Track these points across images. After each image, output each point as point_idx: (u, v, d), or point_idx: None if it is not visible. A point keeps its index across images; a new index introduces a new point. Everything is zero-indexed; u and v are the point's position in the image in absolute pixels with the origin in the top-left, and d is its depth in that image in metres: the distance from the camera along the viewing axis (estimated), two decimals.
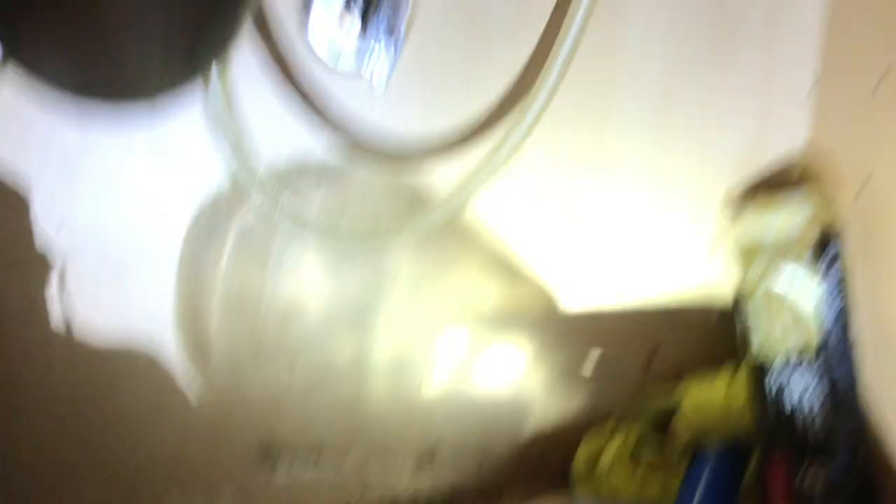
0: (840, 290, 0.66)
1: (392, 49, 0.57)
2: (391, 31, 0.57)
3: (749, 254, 0.69)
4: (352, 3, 0.57)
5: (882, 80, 0.61)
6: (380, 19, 0.56)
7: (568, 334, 0.75)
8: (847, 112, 0.67)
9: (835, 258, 0.66)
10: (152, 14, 0.43)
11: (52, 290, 0.69)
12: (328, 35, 0.62)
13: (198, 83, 0.54)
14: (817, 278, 0.66)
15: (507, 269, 0.73)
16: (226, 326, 0.71)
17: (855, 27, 0.66)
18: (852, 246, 0.66)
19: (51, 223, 0.67)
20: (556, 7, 0.65)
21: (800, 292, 0.67)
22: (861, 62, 0.65)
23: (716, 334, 0.75)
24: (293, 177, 0.68)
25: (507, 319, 0.74)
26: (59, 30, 0.43)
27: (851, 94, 0.66)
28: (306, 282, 0.71)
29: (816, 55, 0.68)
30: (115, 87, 0.47)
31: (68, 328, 0.70)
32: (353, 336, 0.73)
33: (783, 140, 0.70)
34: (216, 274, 0.70)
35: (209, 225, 0.69)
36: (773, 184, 0.71)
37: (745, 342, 0.70)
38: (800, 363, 0.67)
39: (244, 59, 0.63)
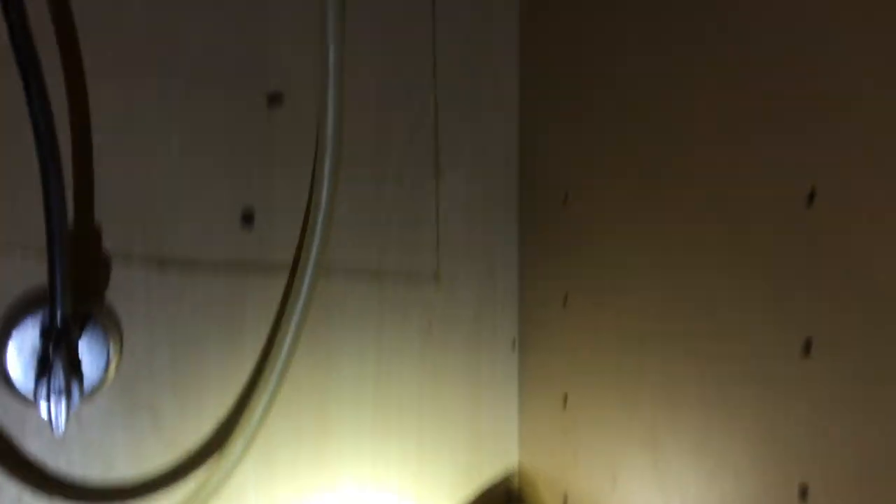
0: None
1: (66, 402, 0.58)
2: (67, 387, 0.58)
3: None
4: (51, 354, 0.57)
5: (565, 404, 0.71)
6: (53, 381, 0.56)
7: None
8: (545, 437, 0.75)
9: None
10: None
11: None
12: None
13: None
14: None
15: None
16: None
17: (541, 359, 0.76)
18: None
19: None
20: (268, 341, 0.69)
21: None
22: (549, 386, 0.73)
23: None
24: None
25: None
26: None
27: (547, 420, 0.74)
28: None
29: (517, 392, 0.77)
30: None
31: None
32: None
33: (495, 463, 0.77)
34: None
35: None
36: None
37: None
38: None
39: None
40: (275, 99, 0.69)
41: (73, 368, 0.58)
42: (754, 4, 0.53)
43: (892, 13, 0.44)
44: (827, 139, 0.48)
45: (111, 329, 0.63)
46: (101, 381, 0.62)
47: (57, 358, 0.56)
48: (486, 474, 0.77)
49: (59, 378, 0.56)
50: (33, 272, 0.61)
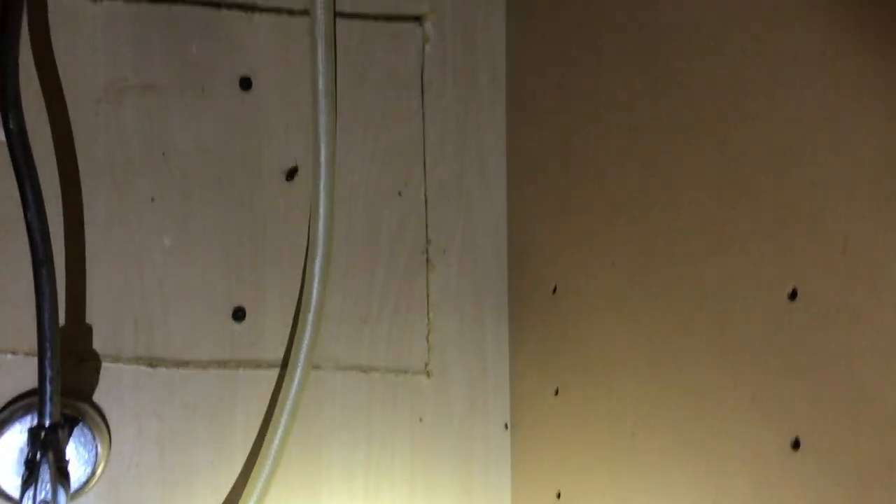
0: None
1: None
2: (54, 492, 0.57)
3: None
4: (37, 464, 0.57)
5: (559, 497, 0.70)
6: (40, 487, 0.55)
7: None
8: None
9: None
10: None
11: None
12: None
13: None
14: None
15: None
16: None
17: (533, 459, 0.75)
18: None
19: None
20: (258, 438, 0.68)
21: None
22: (542, 477, 0.73)
23: None
24: None
25: None
26: None
27: None
28: None
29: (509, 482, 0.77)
30: None
31: None
32: None
33: None
34: None
35: None
36: None
37: None
38: None
39: None
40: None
41: (60, 473, 0.58)
42: (735, 116, 0.54)
43: (860, 125, 0.46)
44: (807, 242, 0.49)
45: (99, 429, 0.63)
46: (88, 482, 0.62)
47: (44, 462, 0.56)
48: None
49: (45, 484, 0.55)
50: (23, 374, 0.61)
